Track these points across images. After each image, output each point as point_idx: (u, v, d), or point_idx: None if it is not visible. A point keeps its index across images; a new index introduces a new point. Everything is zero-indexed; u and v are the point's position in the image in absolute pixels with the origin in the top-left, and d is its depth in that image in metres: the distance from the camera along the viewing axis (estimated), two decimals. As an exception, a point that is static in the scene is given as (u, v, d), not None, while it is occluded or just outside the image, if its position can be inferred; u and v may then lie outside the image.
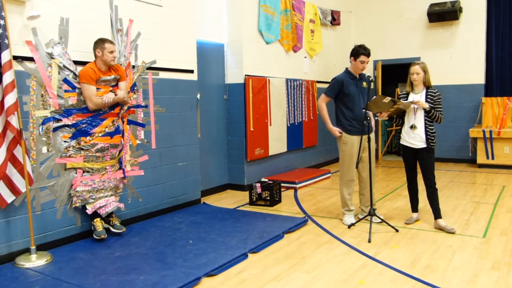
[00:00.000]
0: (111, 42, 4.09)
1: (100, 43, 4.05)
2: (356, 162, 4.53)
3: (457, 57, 8.60)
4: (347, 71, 4.66)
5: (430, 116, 4.22)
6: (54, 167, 3.96)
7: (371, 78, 4.51)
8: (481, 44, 8.44)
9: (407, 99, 4.36)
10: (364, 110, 4.36)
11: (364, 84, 4.58)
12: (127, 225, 4.52)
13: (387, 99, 4.19)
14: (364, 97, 4.57)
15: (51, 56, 3.92)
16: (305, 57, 7.94)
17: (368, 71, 9.02)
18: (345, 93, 4.55)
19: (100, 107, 4.11)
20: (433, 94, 4.27)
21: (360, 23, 9.60)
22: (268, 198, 5.50)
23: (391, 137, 9.28)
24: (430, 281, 3.11)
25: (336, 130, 4.59)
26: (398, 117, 4.48)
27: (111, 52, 4.05)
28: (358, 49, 4.52)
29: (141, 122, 4.82)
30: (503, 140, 7.79)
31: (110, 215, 4.26)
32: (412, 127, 4.30)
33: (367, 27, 9.48)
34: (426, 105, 4.19)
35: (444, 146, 8.69)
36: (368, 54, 4.52)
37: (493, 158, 7.89)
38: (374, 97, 4.30)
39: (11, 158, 3.56)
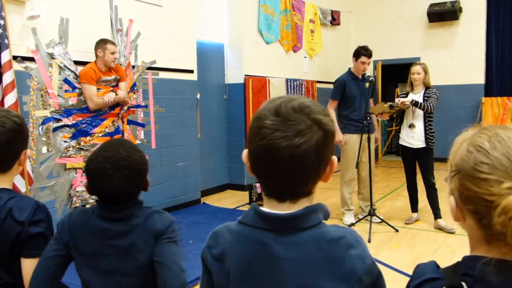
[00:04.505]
0: (112, 43, 4.09)
1: (102, 43, 4.05)
2: (356, 162, 4.53)
3: (457, 57, 8.59)
4: (349, 71, 4.69)
5: (418, 107, 4.21)
6: (54, 167, 3.96)
7: (371, 78, 4.51)
8: (481, 44, 8.44)
9: (406, 99, 4.39)
10: (364, 111, 4.38)
11: (367, 84, 4.58)
12: (127, 225, 4.51)
13: (388, 103, 4.24)
14: (365, 97, 4.57)
15: (51, 56, 3.92)
16: (305, 57, 7.94)
17: (368, 71, 9.00)
18: (347, 93, 4.56)
19: (100, 107, 4.11)
20: (430, 91, 4.29)
21: (360, 23, 9.60)
22: (268, 198, 5.49)
23: (391, 137, 9.28)
24: (430, 281, 3.11)
25: (340, 136, 4.57)
26: (398, 116, 4.49)
27: (113, 53, 4.05)
28: (360, 49, 4.58)
29: (141, 122, 4.82)
30: (503, 140, 7.78)
31: (110, 215, 4.26)
32: (411, 126, 4.31)
33: (367, 27, 9.47)
34: (409, 100, 4.21)
35: (444, 146, 8.50)
36: (369, 55, 4.54)
37: (493, 158, 7.87)
38: (377, 104, 4.35)
39: (11, 158, 3.56)
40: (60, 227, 1.44)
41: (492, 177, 0.75)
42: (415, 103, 4.18)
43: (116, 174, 1.34)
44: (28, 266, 1.41)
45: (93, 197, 4.12)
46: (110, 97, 4.11)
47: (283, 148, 0.85)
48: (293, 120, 0.86)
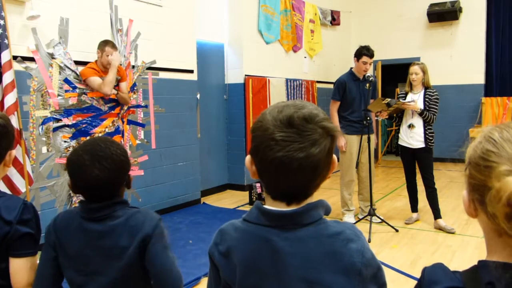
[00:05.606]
0: (112, 46, 4.08)
1: (102, 45, 4.06)
2: (356, 162, 4.53)
3: (457, 57, 8.59)
4: (351, 71, 4.67)
5: (422, 117, 4.23)
6: (54, 167, 3.97)
7: (371, 78, 4.50)
8: (481, 44, 8.44)
9: (405, 99, 4.38)
10: (364, 111, 4.37)
11: (367, 85, 4.56)
12: (127, 225, 4.51)
13: (386, 100, 4.23)
14: (365, 98, 4.56)
15: (52, 56, 3.92)
16: (305, 57, 7.94)
17: (368, 71, 8.99)
18: (347, 94, 4.55)
19: (113, 83, 4.09)
20: (431, 94, 4.28)
21: (360, 23, 9.60)
22: (268, 198, 5.49)
23: (391, 137, 9.28)
24: (430, 281, 3.11)
25: (342, 142, 4.55)
26: (397, 116, 4.49)
27: (109, 56, 4.05)
28: (361, 49, 4.54)
29: (141, 122, 4.82)
30: (503, 140, 7.77)
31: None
32: (410, 126, 4.31)
33: (367, 27, 9.48)
34: (417, 108, 4.20)
35: (444, 146, 8.69)
36: (370, 55, 4.51)
37: (493, 158, 7.87)
38: (372, 100, 4.33)
39: (11, 158, 3.56)
40: (47, 230, 1.44)
41: (496, 164, 0.74)
42: (421, 113, 4.19)
43: (94, 164, 1.33)
44: (16, 266, 1.40)
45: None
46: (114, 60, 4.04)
47: (301, 158, 0.88)
48: (308, 131, 0.89)
